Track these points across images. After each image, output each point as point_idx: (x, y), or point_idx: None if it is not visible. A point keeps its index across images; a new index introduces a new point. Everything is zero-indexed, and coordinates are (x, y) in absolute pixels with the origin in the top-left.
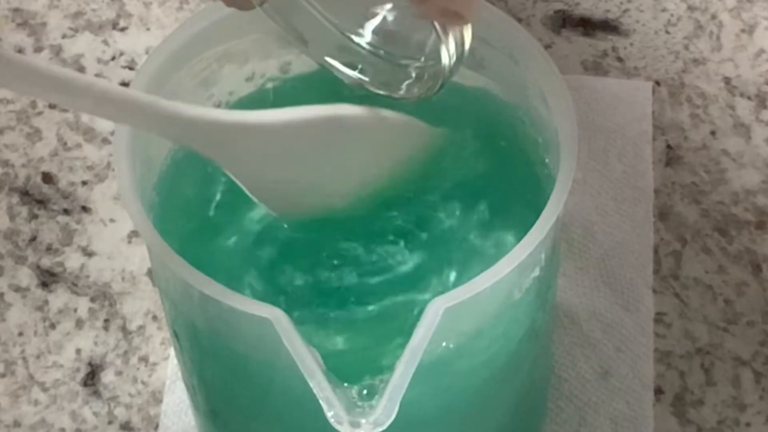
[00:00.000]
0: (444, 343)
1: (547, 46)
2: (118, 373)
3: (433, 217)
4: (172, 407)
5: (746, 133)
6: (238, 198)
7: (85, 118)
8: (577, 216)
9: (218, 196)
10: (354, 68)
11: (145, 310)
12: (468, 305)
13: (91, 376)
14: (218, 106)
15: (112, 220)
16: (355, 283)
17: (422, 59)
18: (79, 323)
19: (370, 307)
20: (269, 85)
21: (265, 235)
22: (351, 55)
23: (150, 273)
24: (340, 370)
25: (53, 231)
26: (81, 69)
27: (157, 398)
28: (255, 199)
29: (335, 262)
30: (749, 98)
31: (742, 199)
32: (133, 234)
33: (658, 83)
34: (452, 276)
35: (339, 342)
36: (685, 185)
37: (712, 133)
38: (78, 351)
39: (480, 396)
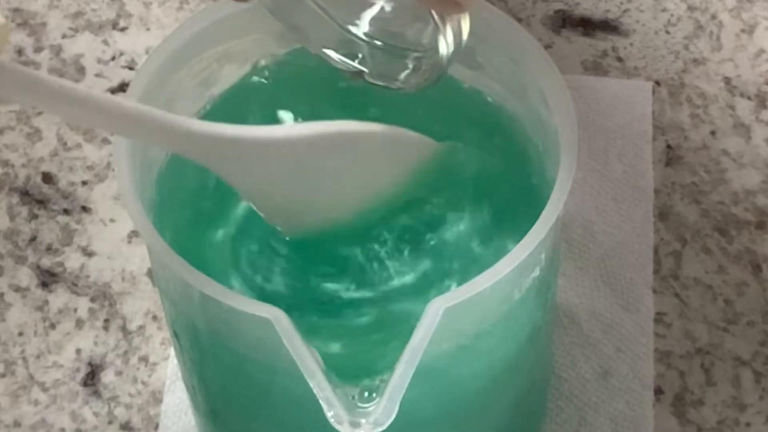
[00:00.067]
0: (444, 343)
1: (547, 46)
2: (118, 373)
3: (433, 224)
4: (172, 407)
5: (746, 133)
6: (238, 199)
7: None
8: (577, 216)
9: (218, 197)
10: (352, 59)
11: (145, 310)
12: (468, 305)
13: (91, 376)
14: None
15: (112, 220)
16: (353, 290)
17: (420, 50)
18: (79, 323)
19: (366, 316)
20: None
21: (264, 239)
22: (349, 47)
23: (150, 273)
24: (338, 372)
25: (53, 231)
26: (81, 69)
27: (157, 398)
28: (261, 215)
29: (333, 268)
30: (749, 98)
31: (742, 199)
32: (133, 234)
33: (658, 83)
34: (452, 284)
35: (334, 347)
36: (685, 185)
37: (712, 133)
38: (78, 351)
39: (480, 396)
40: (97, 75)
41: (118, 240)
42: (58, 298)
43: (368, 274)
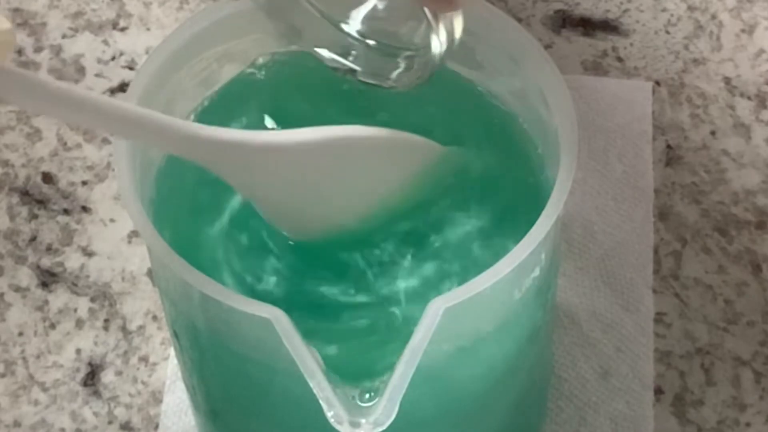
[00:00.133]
0: (444, 343)
1: (547, 46)
2: (118, 373)
3: (432, 225)
4: (172, 407)
5: (746, 133)
6: (237, 200)
7: None
8: (577, 216)
9: (218, 196)
10: (344, 58)
11: (145, 310)
12: (468, 305)
13: (91, 376)
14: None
15: (112, 220)
16: (353, 292)
17: (412, 48)
18: (79, 323)
19: (366, 319)
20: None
21: (264, 240)
22: (341, 45)
23: (150, 273)
24: (338, 374)
25: (53, 231)
26: (81, 69)
27: (157, 398)
28: (266, 219)
29: (333, 270)
30: (749, 98)
31: (742, 199)
32: (133, 234)
33: (658, 83)
34: (452, 285)
35: (334, 350)
36: (685, 185)
37: (712, 133)
38: (78, 351)
39: (480, 396)
40: (97, 75)
41: (118, 240)
42: (58, 298)
43: (368, 276)
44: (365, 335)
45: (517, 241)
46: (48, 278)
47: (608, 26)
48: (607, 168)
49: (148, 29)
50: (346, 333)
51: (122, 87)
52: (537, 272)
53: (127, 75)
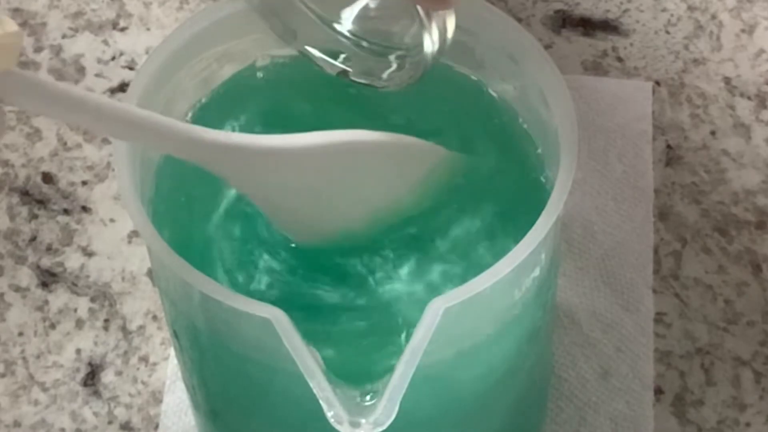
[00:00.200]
0: (444, 343)
1: (547, 46)
2: (118, 373)
3: (432, 226)
4: (172, 407)
5: (746, 133)
6: (238, 200)
7: None
8: (577, 216)
9: (218, 196)
10: (336, 57)
11: (145, 310)
12: (468, 305)
13: (91, 376)
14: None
15: (112, 220)
16: (353, 294)
17: (404, 48)
18: (79, 323)
19: (367, 321)
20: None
21: (265, 241)
22: (333, 45)
23: (150, 273)
24: (338, 376)
25: (53, 231)
26: (81, 69)
27: (157, 398)
28: (271, 222)
29: (334, 272)
30: (749, 98)
31: (742, 199)
32: (133, 234)
33: (658, 83)
34: (452, 285)
35: (334, 352)
36: (685, 185)
37: (712, 133)
38: (78, 351)
39: (480, 396)
40: (97, 75)
41: (118, 240)
42: (58, 298)
43: (367, 278)
44: (365, 337)
45: (517, 241)
46: (48, 278)
47: (608, 26)
48: (607, 168)
49: (148, 29)
50: (346, 335)
51: (122, 87)
52: (537, 272)
53: (127, 75)
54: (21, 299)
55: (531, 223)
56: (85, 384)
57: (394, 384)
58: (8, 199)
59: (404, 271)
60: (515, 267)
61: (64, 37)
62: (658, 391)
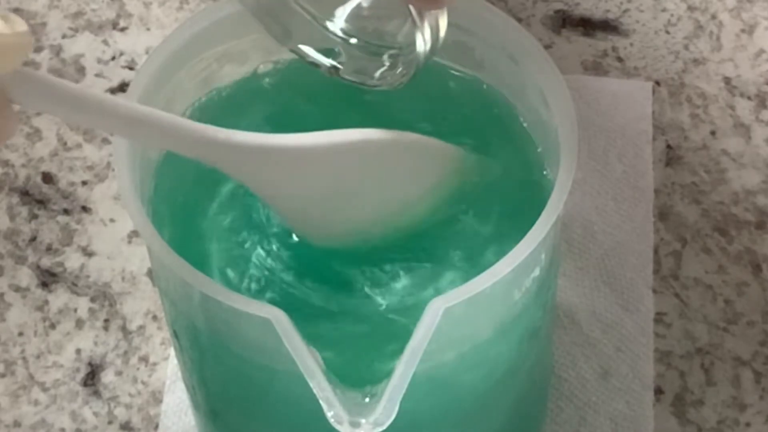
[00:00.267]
0: (444, 343)
1: (547, 46)
2: (118, 373)
3: (433, 228)
4: (172, 407)
5: (746, 133)
6: (238, 200)
7: None
8: (577, 216)
9: (218, 194)
10: (329, 56)
11: (145, 310)
12: (468, 305)
13: (91, 376)
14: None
15: (112, 220)
16: (353, 296)
17: (396, 47)
18: (79, 323)
19: (368, 323)
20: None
21: (266, 241)
22: (325, 43)
23: (150, 273)
24: (338, 377)
25: (53, 231)
26: (81, 69)
27: (157, 398)
28: (284, 222)
29: (335, 274)
30: (749, 98)
31: (742, 199)
32: (133, 234)
33: (658, 83)
34: (453, 285)
35: (334, 353)
36: (685, 185)
37: (712, 133)
38: (78, 351)
39: (480, 396)
40: (97, 75)
41: (118, 240)
42: (58, 298)
43: (367, 279)
44: (365, 339)
45: (517, 241)
46: (48, 278)
47: (608, 26)
48: (607, 168)
49: (148, 29)
50: (346, 338)
51: (122, 87)
52: (537, 272)
53: (127, 75)
54: (21, 299)
55: (531, 223)
56: (85, 384)
57: (394, 384)
58: (8, 199)
59: (404, 271)
60: (515, 267)
61: (64, 37)
62: (658, 391)
